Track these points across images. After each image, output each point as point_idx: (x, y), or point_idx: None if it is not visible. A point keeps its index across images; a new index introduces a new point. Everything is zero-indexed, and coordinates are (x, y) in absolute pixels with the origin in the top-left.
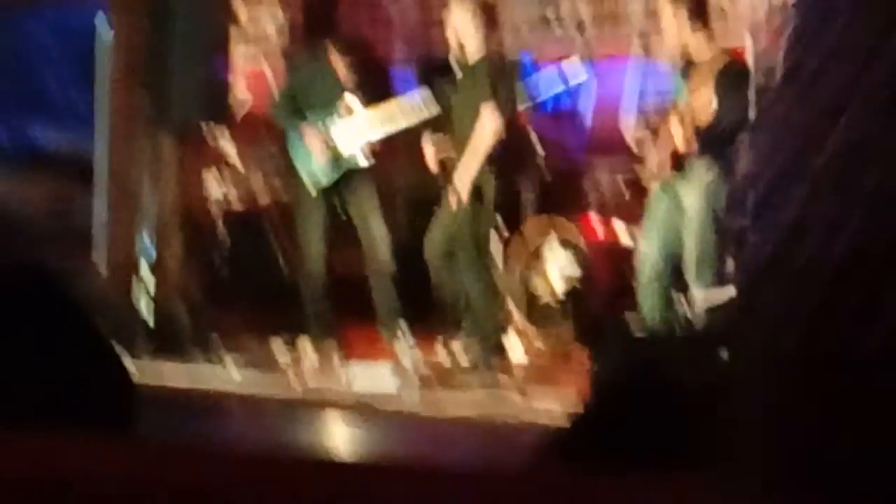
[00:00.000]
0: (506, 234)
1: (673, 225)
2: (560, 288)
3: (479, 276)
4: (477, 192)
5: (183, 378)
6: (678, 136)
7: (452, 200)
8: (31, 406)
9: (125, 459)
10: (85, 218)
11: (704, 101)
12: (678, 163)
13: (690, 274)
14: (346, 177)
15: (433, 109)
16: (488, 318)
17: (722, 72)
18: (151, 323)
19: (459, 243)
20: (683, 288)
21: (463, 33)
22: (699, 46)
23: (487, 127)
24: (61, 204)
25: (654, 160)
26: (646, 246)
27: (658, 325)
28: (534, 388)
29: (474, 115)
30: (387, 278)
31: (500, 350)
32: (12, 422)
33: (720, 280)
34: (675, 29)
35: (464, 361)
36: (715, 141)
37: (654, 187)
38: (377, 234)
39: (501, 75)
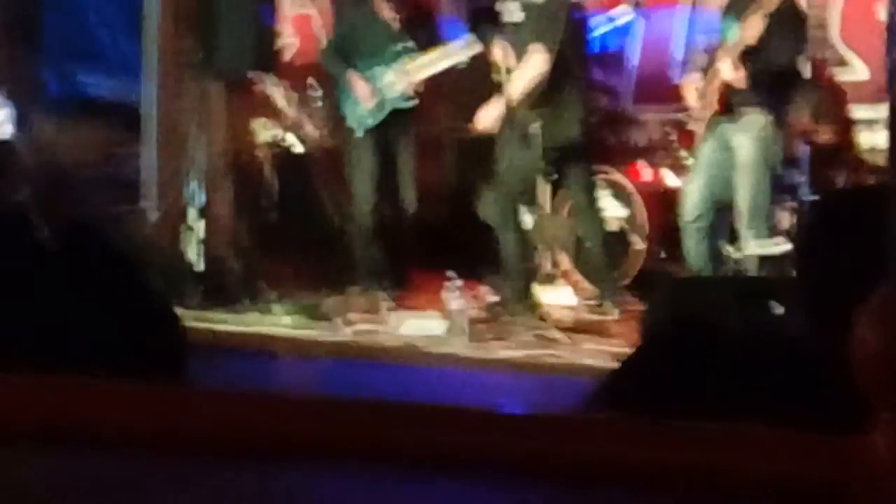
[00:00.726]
0: (555, 176)
1: (721, 170)
2: (606, 228)
3: (513, 223)
4: (523, 137)
5: (232, 324)
6: (727, 70)
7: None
8: (81, 353)
9: (176, 406)
10: (134, 165)
11: (755, 34)
12: (728, 105)
13: (742, 223)
14: (393, 119)
15: (479, 47)
16: (521, 266)
17: (776, 12)
18: (201, 270)
19: (506, 188)
20: (734, 238)
21: None
22: None
23: (533, 66)
24: (111, 151)
25: (703, 101)
26: (691, 187)
27: (702, 270)
28: (580, 333)
29: (522, 55)
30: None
31: (534, 296)
32: (61, 368)
33: (772, 233)
34: None
35: (506, 306)
36: (766, 84)
37: (701, 129)
38: (409, 179)
39: (550, 18)
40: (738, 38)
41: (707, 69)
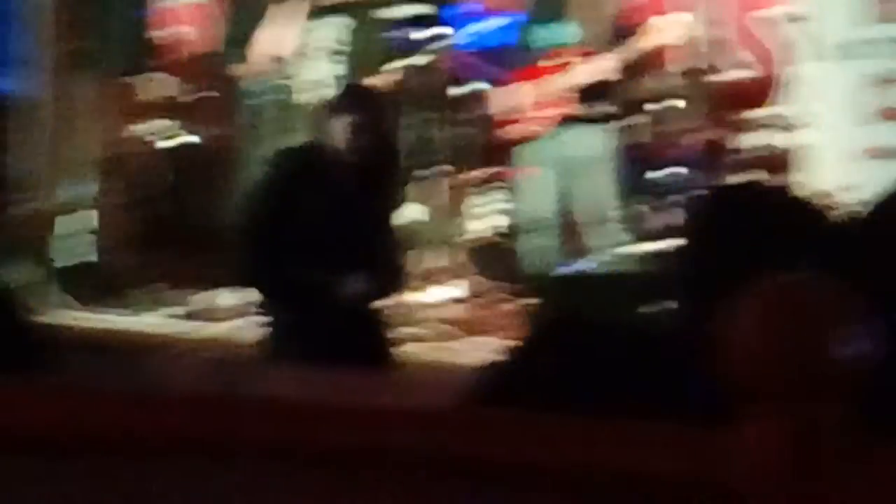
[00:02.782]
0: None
1: (572, 172)
2: (492, 228)
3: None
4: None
5: (119, 322)
6: (567, 83)
7: None
8: None
9: (29, 402)
10: (18, 162)
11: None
12: (580, 110)
13: (603, 224)
14: None
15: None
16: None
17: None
18: (90, 267)
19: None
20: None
21: None
22: None
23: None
24: None
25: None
26: (538, 193)
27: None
28: (461, 336)
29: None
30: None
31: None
32: None
33: (636, 233)
34: None
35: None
36: (600, 95)
37: (554, 134)
38: None
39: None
40: (574, 42)
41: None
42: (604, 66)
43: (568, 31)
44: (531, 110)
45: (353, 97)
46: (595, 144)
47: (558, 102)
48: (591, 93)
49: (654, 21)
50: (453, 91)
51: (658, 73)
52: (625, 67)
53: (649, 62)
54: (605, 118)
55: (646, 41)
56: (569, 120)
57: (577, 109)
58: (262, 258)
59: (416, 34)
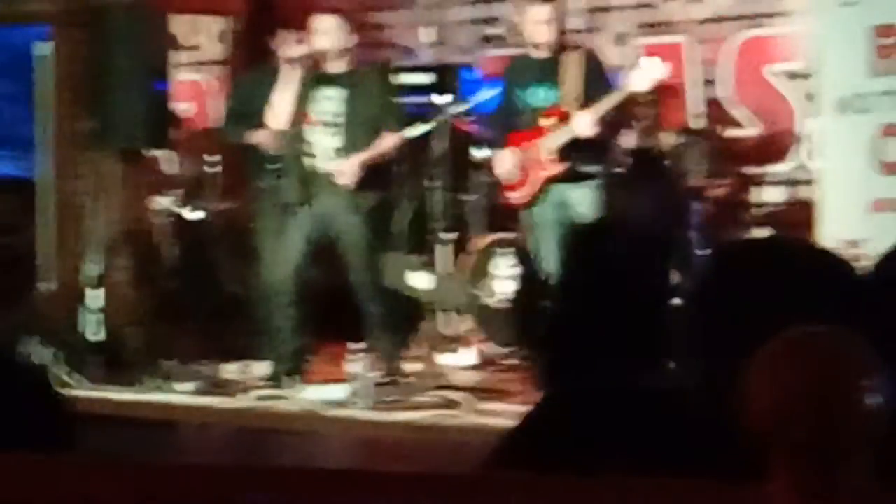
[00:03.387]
0: (451, 239)
1: (563, 230)
2: (506, 290)
3: (379, 292)
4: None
5: (133, 399)
6: (556, 140)
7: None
8: None
9: (65, 475)
10: (30, 242)
11: (573, 98)
12: (568, 169)
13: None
14: None
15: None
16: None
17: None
18: (100, 341)
19: (357, 253)
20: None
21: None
22: (569, 47)
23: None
24: (4, 228)
25: (541, 168)
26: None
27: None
28: (485, 400)
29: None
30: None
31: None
32: None
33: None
34: (547, 31)
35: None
36: (590, 151)
37: (542, 192)
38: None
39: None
40: (561, 99)
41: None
42: (583, 121)
43: (554, 91)
44: (529, 173)
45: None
46: (585, 199)
47: (549, 164)
48: (580, 149)
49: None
50: (458, 156)
51: (654, 129)
52: (599, 120)
53: (628, 112)
54: (594, 175)
55: (607, 92)
56: (560, 179)
57: (569, 166)
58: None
59: (421, 101)
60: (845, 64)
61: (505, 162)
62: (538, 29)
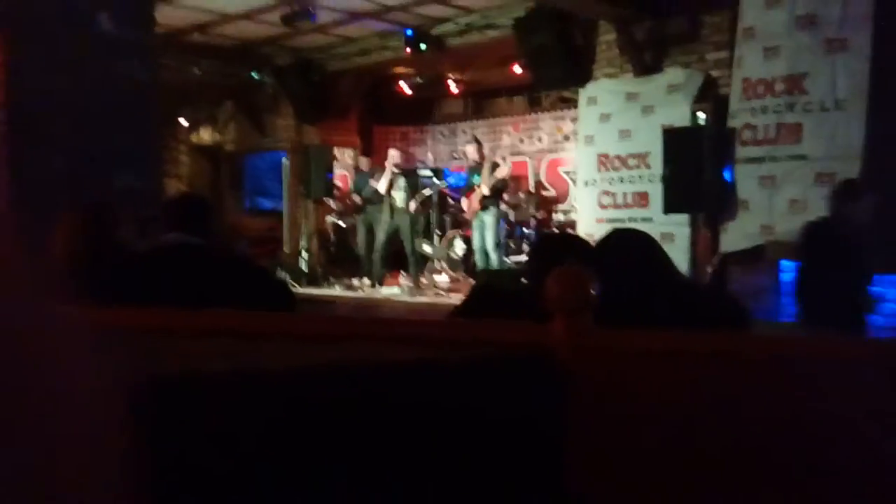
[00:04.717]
0: (440, 233)
1: (482, 232)
2: (460, 253)
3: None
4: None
5: (318, 293)
6: (479, 195)
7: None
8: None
9: (297, 326)
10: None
11: (486, 181)
12: (483, 206)
13: (492, 252)
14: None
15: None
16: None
17: (491, 168)
18: (306, 272)
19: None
20: (490, 257)
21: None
22: (483, 160)
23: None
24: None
25: (473, 205)
26: (475, 239)
27: (489, 266)
28: (450, 294)
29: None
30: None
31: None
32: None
33: (506, 255)
34: (475, 154)
35: (423, 286)
36: (491, 199)
37: (474, 216)
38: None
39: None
40: (481, 181)
41: (471, 192)
42: (486, 187)
43: (477, 178)
44: (471, 207)
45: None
46: (491, 220)
47: (479, 203)
48: (487, 198)
49: (498, 168)
50: (442, 202)
51: (515, 192)
52: (491, 188)
53: (502, 185)
54: (494, 208)
55: (494, 177)
56: (481, 209)
57: (483, 204)
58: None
59: (428, 181)
60: (587, 168)
61: (466, 203)
62: (472, 154)
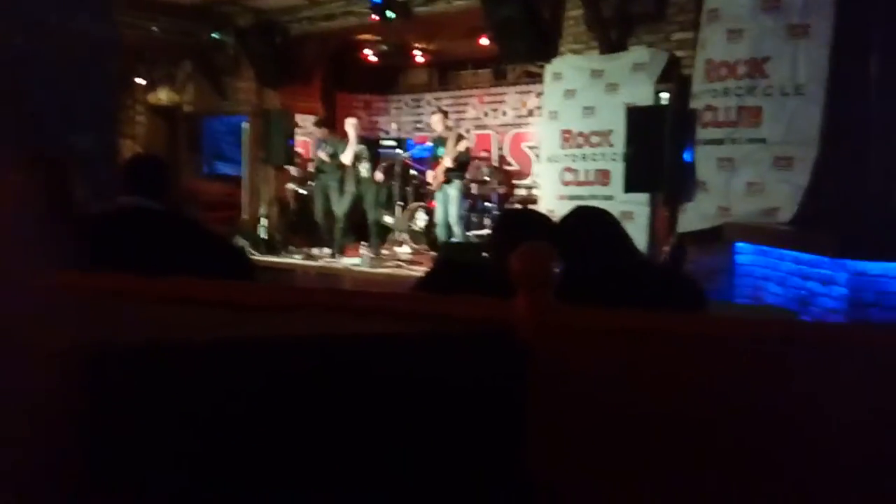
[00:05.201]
0: (402, 204)
1: (445, 205)
2: (421, 225)
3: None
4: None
5: (276, 261)
6: (443, 168)
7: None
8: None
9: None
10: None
11: (450, 154)
12: (447, 179)
13: (454, 225)
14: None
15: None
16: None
17: (456, 140)
18: (264, 240)
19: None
20: (454, 230)
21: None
22: (448, 132)
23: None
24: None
25: (438, 178)
26: (438, 209)
27: (452, 240)
28: (411, 266)
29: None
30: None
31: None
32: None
33: (468, 229)
34: (440, 125)
35: (384, 257)
36: (456, 172)
37: (439, 188)
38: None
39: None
40: (445, 156)
41: (437, 165)
42: (450, 160)
43: (442, 150)
44: (436, 179)
45: None
46: (455, 193)
47: (443, 176)
48: (451, 171)
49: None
50: (405, 173)
51: (479, 166)
52: (454, 159)
53: (466, 157)
54: (458, 181)
55: (458, 150)
56: (445, 182)
57: (447, 177)
58: None
59: (392, 152)
60: (551, 143)
61: (431, 175)
62: (437, 125)
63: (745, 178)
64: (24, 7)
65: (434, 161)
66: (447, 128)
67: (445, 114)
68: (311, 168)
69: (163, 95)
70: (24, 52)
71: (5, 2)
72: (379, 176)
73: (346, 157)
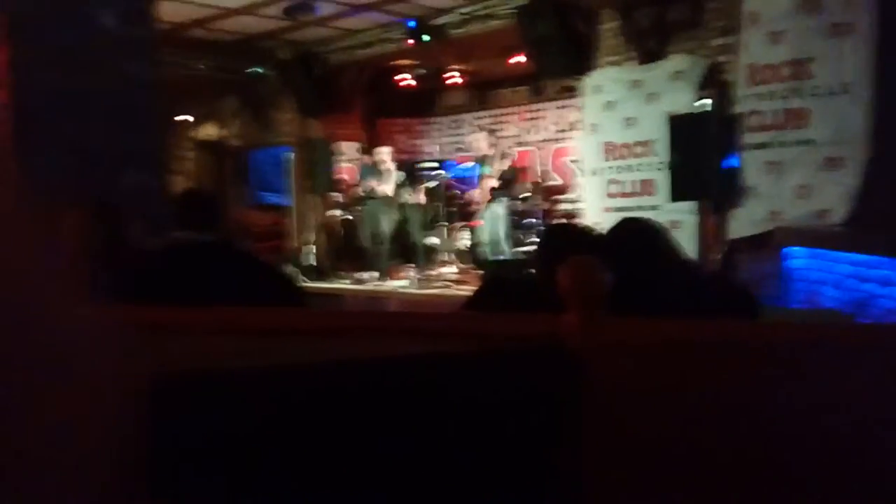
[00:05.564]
0: (446, 224)
1: (493, 223)
2: (466, 244)
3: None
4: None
5: (325, 287)
6: (489, 186)
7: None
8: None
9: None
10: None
11: (495, 172)
12: (493, 196)
13: (503, 243)
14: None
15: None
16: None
17: (500, 158)
18: (314, 265)
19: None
20: (501, 248)
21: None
22: (492, 150)
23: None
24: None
25: (484, 196)
26: (485, 230)
27: (498, 258)
28: (458, 285)
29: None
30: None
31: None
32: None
33: (514, 246)
34: (484, 143)
35: (431, 278)
36: (502, 191)
37: (484, 205)
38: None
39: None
40: (490, 173)
41: (482, 183)
42: (495, 178)
43: (486, 169)
44: (480, 198)
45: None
46: (502, 211)
47: (490, 194)
48: (497, 190)
49: (502, 158)
50: (448, 193)
51: (523, 182)
52: (501, 178)
53: (512, 175)
54: (505, 198)
55: (503, 168)
56: (490, 201)
57: (493, 196)
58: None
59: (433, 172)
60: (593, 156)
61: (478, 193)
62: (481, 144)
63: (794, 181)
64: (76, 52)
65: (479, 180)
66: (491, 146)
67: (488, 132)
68: (354, 193)
69: (209, 130)
70: (77, 96)
71: (59, 48)
72: (422, 198)
73: (389, 189)
